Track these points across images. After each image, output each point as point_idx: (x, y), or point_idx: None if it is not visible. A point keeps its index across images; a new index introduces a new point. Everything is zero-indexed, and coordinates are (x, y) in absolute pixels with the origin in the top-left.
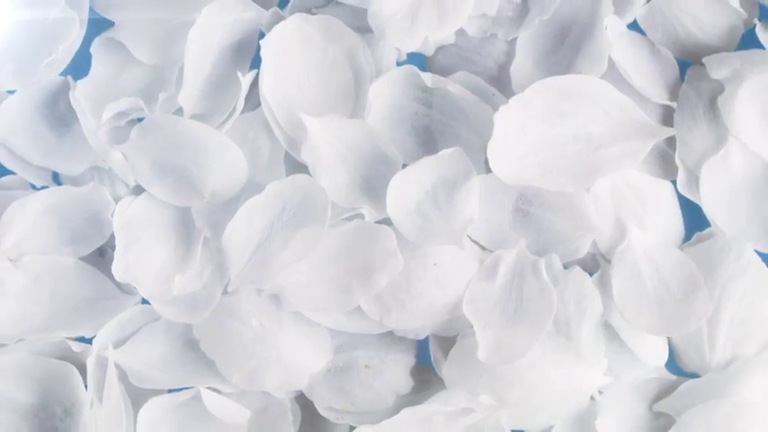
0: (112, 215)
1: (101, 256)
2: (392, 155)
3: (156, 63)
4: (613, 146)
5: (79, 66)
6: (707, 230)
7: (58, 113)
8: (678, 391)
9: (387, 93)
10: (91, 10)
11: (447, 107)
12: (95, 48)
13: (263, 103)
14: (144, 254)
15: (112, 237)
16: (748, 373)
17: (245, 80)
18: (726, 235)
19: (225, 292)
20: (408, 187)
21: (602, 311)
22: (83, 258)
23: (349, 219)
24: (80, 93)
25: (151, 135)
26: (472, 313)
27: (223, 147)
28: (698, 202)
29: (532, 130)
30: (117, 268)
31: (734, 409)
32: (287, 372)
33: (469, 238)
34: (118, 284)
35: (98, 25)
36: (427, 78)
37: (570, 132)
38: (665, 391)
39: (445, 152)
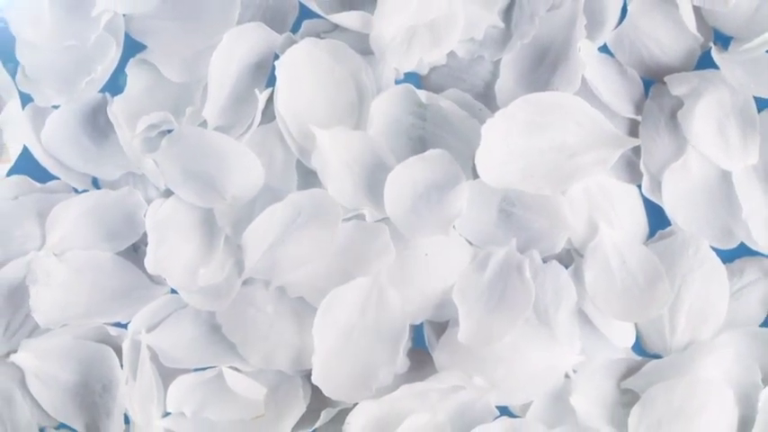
0: (145, 215)
1: (135, 252)
2: (390, 163)
3: (184, 81)
4: (586, 154)
5: (116, 84)
6: (668, 229)
7: (98, 126)
8: (643, 370)
9: (386, 108)
10: (126, 35)
11: (439, 120)
12: (130, 68)
13: (277, 117)
14: (173, 249)
15: (145, 234)
16: (704, 355)
17: (262, 96)
18: (685, 233)
19: (244, 283)
20: (404, 188)
21: (576, 300)
22: (119, 253)
23: (350, 219)
24: (116, 107)
25: (179, 144)
26: (460, 299)
27: (242, 155)
28: (660, 204)
29: (515, 140)
30: (149, 262)
31: (692, 386)
32: (298, 352)
33: (460, 235)
34: (150, 276)
35: (132, 48)
36: (422, 95)
37: (548, 142)
38: (632, 370)
39: (432, 152)
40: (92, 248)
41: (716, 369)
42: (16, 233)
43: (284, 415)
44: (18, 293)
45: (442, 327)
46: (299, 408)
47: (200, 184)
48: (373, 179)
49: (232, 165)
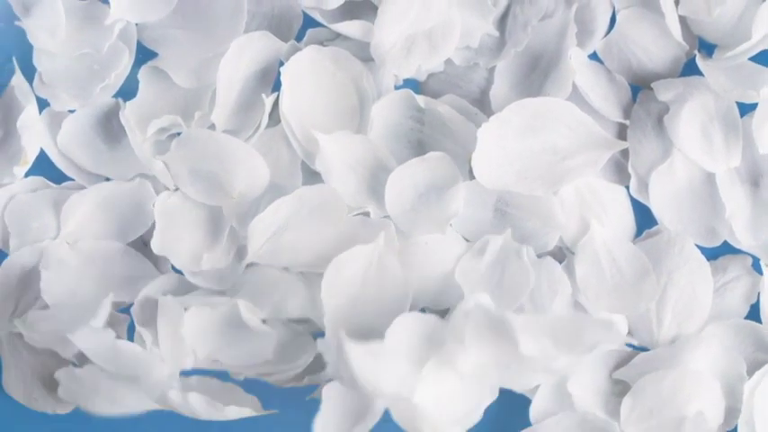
0: (154, 206)
1: (145, 246)
2: (390, 164)
3: (193, 87)
4: (576, 156)
5: (128, 89)
6: (655, 228)
7: (111, 129)
8: (633, 362)
9: (386, 112)
10: (138, 43)
11: (437, 124)
12: (142, 74)
13: (282, 121)
14: (179, 235)
15: (153, 226)
16: (692, 348)
17: (268, 101)
18: (671, 232)
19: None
20: (404, 188)
21: (571, 292)
22: (129, 245)
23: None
24: (129, 111)
25: (187, 146)
26: (463, 280)
27: (247, 155)
28: (647, 204)
29: (509, 143)
30: (155, 243)
31: (681, 377)
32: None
33: (456, 233)
34: (157, 267)
35: (145, 56)
36: (421, 100)
37: (541, 145)
38: (623, 362)
39: (432, 155)
40: (103, 238)
41: (702, 361)
42: (33, 224)
43: (296, 360)
44: (30, 278)
45: (441, 314)
46: (310, 353)
47: (208, 183)
48: (374, 181)
49: (238, 164)
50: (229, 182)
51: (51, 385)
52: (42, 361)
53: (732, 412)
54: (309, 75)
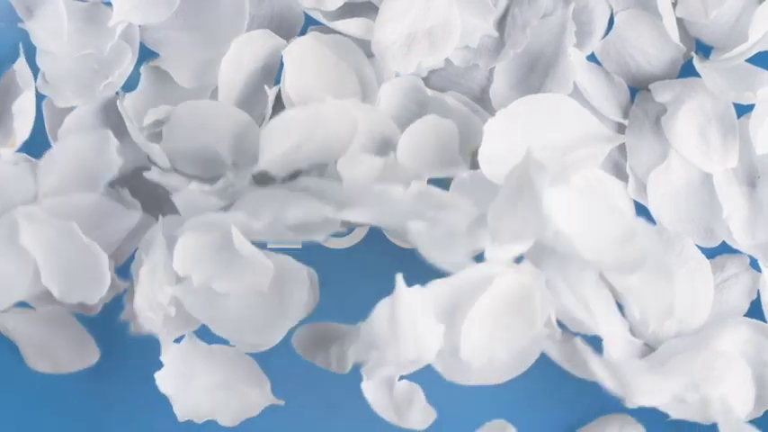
0: (118, 153)
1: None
2: (395, 135)
3: (194, 87)
4: (578, 151)
5: (129, 86)
6: (653, 228)
7: (112, 124)
8: (658, 351)
9: (391, 93)
10: (141, 44)
11: None
12: (143, 72)
13: (283, 97)
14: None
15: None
16: (719, 333)
17: (271, 93)
18: (670, 232)
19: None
20: (417, 142)
21: None
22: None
23: None
24: (128, 103)
25: (179, 123)
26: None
27: (235, 118)
28: (646, 205)
29: (513, 138)
30: (153, 173)
31: (711, 358)
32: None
33: None
34: (125, 204)
35: (147, 57)
36: (428, 90)
37: (543, 140)
38: (644, 353)
39: (448, 122)
40: (71, 192)
41: (730, 344)
42: (14, 197)
43: (291, 296)
44: None
45: None
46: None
47: (205, 157)
48: (380, 153)
49: (229, 126)
50: (223, 151)
51: (70, 344)
52: (52, 326)
53: (761, 400)
54: (311, 58)
